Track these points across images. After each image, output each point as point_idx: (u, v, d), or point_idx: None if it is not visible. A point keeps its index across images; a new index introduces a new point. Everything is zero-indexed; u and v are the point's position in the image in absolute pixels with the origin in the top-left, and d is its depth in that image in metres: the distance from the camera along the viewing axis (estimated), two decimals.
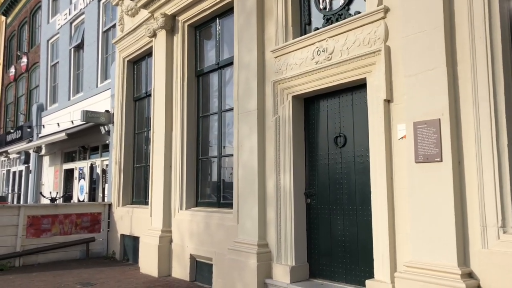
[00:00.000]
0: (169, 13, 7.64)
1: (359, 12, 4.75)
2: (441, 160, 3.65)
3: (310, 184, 5.28)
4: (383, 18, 4.31)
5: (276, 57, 5.53)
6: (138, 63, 9.57)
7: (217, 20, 7.10)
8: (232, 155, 6.57)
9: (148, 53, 9.05)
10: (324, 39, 4.88)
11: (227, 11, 6.84)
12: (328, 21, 5.12)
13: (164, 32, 7.74)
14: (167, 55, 7.71)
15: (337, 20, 4.99)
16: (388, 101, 4.23)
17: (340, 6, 5.00)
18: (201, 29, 7.53)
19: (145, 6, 8.06)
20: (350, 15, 4.87)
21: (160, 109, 7.75)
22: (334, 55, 4.77)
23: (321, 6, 5.24)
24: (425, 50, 3.84)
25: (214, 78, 7.23)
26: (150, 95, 8.85)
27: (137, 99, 9.49)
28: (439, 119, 3.68)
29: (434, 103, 3.73)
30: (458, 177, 3.62)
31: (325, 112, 5.17)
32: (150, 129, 8.83)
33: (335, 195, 4.98)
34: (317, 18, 5.34)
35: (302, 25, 5.49)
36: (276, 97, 5.48)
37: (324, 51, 4.88)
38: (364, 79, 4.50)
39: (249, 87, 5.79)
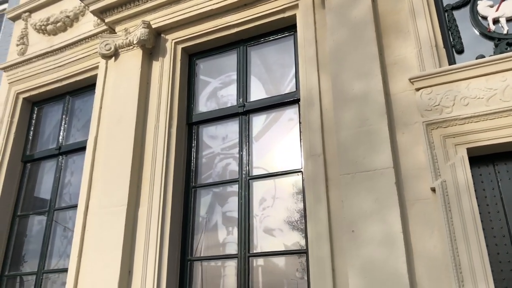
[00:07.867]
0: (153, 26, 4.93)
1: None
2: None
3: None
4: None
5: (419, 89, 3.45)
6: (42, 105, 6.04)
7: (241, 47, 4.73)
8: None
9: (71, 90, 5.78)
10: None
11: (270, 33, 4.62)
12: (510, 45, 3.44)
13: (140, 53, 4.87)
14: (140, 88, 4.75)
15: None
16: None
17: None
18: (202, 57, 4.98)
19: (104, 12, 5.14)
20: None
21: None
22: None
23: (491, 28, 3.57)
24: None
25: (232, 126, 4.58)
26: (70, 151, 5.40)
27: (31, 160, 5.75)
28: None
29: None
30: None
31: None
32: (48, 211, 5.22)
33: None
34: (475, 44, 3.59)
35: (450, 52, 3.66)
36: (432, 149, 3.25)
37: None
38: None
39: (367, 132, 3.43)
